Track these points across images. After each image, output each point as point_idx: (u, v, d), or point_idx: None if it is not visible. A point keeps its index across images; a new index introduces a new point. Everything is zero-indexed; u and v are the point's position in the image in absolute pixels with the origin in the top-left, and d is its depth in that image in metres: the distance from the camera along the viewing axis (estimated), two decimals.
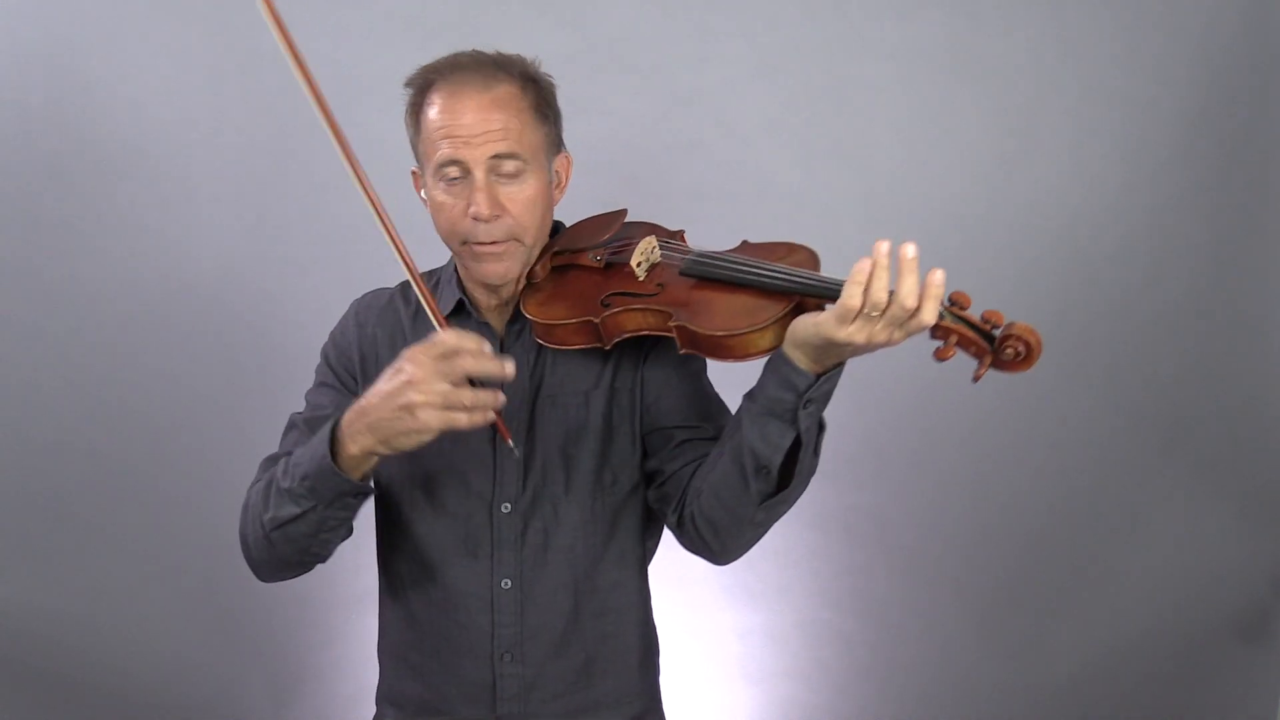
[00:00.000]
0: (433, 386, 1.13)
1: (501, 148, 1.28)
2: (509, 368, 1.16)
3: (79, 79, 2.44)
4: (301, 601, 2.54)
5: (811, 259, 1.29)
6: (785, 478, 1.21)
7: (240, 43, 2.45)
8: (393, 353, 1.36)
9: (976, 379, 1.17)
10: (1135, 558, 2.60)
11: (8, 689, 2.50)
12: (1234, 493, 2.59)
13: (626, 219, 1.45)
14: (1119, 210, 2.52)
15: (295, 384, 2.53)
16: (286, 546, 1.30)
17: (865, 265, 1.05)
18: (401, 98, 2.59)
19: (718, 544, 1.29)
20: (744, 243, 1.37)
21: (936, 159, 2.52)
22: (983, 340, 1.15)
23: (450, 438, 1.26)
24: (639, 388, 1.38)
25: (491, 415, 1.16)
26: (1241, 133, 2.49)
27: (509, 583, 1.37)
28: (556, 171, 1.39)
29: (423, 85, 1.33)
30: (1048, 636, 2.62)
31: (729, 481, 1.22)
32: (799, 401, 1.15)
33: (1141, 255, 2.54)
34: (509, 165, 1.29)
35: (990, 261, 2.54)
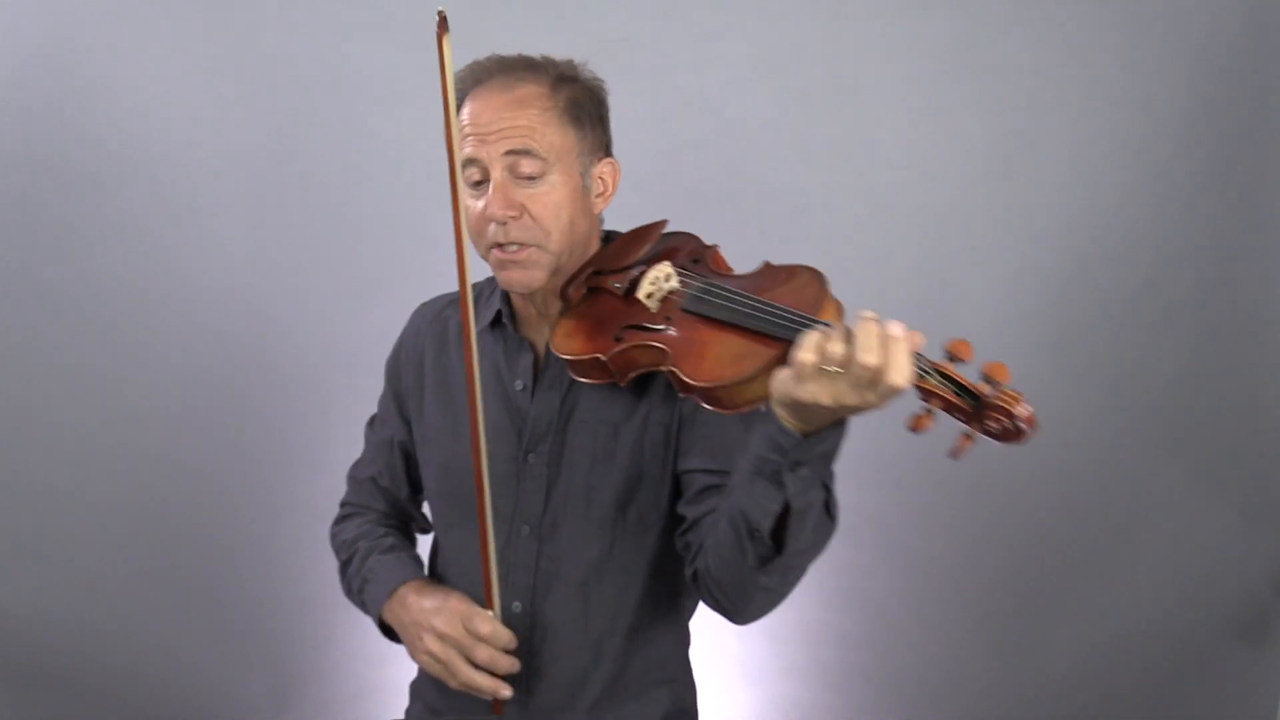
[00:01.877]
0: (446, 648, 1.27)
1: (515, 144, 1.21)
2: (503, 693, 1.26)
3: (79, 80, 2.44)
4: (302, 602, 2.54)
5: (811, 284, 1.13)
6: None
7: (241, 44, 2.45)
8: (437, 362, 1.42)
9: (953, 454, 0.97)
10: (1135, 558, 2.60)
11: (8, 689, 2.50)
12: (1234, 493, 2.59)
13: (668, 229, 1.32)
14: (1120, 210, 2.52)
15: (295, 385, 2.55)
16: None
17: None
18: (400, 97, 2.61)
19: (728, 604, 1.21)
20: (765, 264, 1.23)
21: (936, 159, 2.51)
22: (968, 404, 0.96)
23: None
24: (675, 423, 1.29)
25: (483, 693, 1.26)
26: (1242, 133, 2.49)
27: (519, 606, 1.33)
28: (600, 178, 1.30)
29: (459, 99, 1.28)
30: (1048, 636, 2.62)
31: (726, 542, 1.14)
32: (785, 463, 1.04)
33: (1142, 255, 2.53)
34: (526, 165, 1.23)
35: (990, 261, 2.54)
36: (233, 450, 2.55)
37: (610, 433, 1.30)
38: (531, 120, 1.23)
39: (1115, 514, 2.61)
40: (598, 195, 1.32)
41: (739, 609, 1.21)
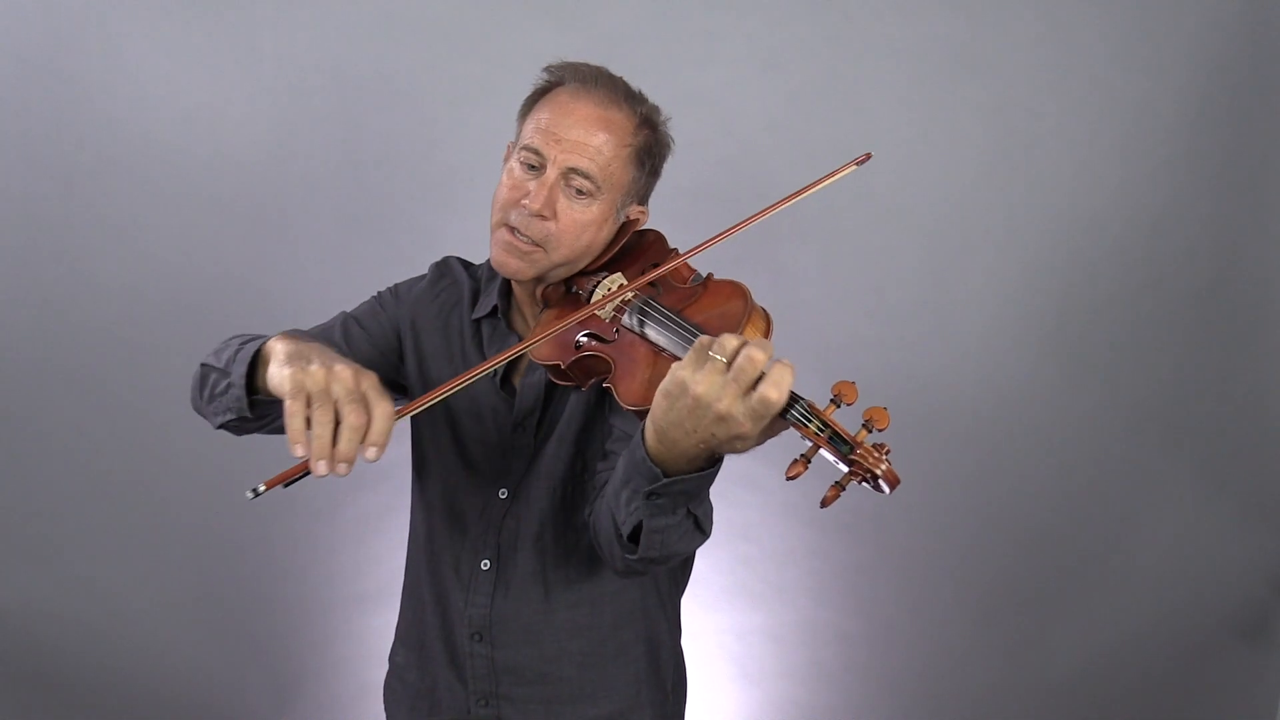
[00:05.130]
0: (327, 382, 1.03)
1: (583, 165, 1.28)
2: (319, 469, 1.03)
3: (80, 80, 2.44)
4: (302, 601, 2.54)
5: (737, 311, 1.14)
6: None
7: (240, 43, 2.45)
8: (441, 328, 1.43)
9: (823, 503, 0.99)
10: (1135, 558, 2.61)
11: (8, 689, 2.50)
12: (1234, 493, 2.60)
13: (640, 229, 1.37)
14: (1119, 210, 2.52)
15: None
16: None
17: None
18: (402, 97, 2.60)
19: (607, 561, 1.25)
20: (708, 278, 1.26)
21: (937, 159, 2.52)
22: (841, 454, 0.97)
23: (474, 417, 1.39)
24: None
25: (318, 468, 1.03)
26: (1241, 132, 2.50)
27: (488, 564, 1.38)
28: (628, 216, 1.37)
29: (555, 80, 1.34)
30: (1047, 636, 2.62)
31: (604, 518, 1.18)
32: (643, 489, 1.07)
33: (1142, 255, 2.54)
34: (581, 182, 1.28)
35: (990, 261, 2.54)
36: (232, 450, 2.54)
37: (571, 390, 1.35)
38: (603, 147, 1.29)
39: (1115, 514, 2.61)
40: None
41: (614, 568, 1.24)
